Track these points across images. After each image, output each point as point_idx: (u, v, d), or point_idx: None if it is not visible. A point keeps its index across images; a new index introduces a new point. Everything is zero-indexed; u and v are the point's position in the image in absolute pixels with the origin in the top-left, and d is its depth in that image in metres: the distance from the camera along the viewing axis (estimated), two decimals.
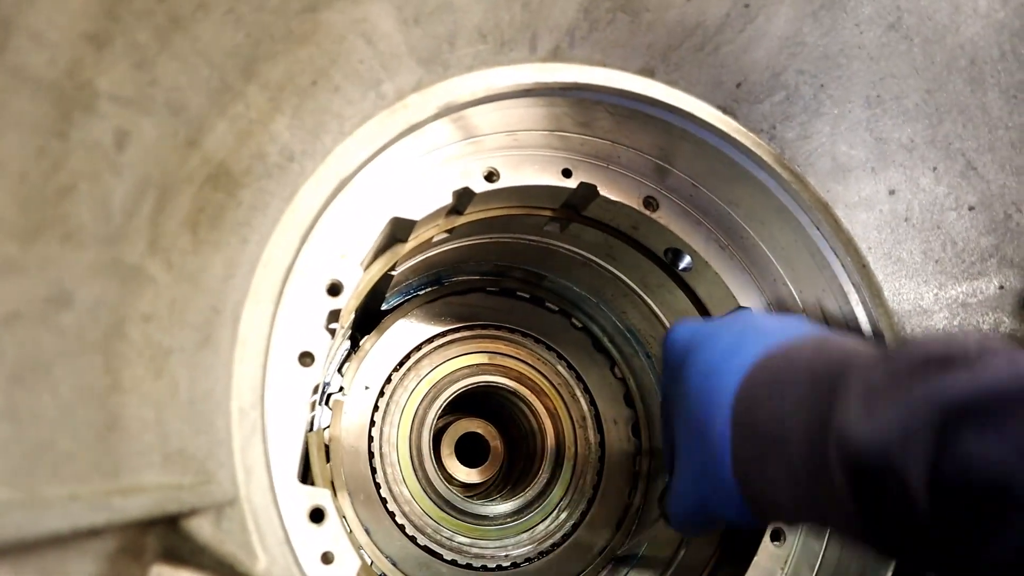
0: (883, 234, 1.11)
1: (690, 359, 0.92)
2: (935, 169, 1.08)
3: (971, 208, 1.08)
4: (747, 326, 0.93)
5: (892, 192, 1.10)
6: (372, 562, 1.35)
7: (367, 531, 1.36)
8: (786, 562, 1.15)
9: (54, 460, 0.59)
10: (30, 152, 0.59)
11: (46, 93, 0.60)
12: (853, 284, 1.13)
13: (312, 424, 1.25)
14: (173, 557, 0.73)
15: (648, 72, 1.09)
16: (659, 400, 1.26)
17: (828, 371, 0.75)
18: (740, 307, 1.24)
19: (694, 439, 0.87)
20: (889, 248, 1.11)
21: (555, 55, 1.06)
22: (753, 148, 1.11)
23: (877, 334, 1.12)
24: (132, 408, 0.68)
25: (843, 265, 1.13)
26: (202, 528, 0.73)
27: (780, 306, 1.24)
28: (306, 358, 0.95)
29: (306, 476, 1.10)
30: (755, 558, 1.13)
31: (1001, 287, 1.09)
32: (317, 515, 0.91)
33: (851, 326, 1.15)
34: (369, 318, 1.48)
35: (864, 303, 1.13)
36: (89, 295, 0.66)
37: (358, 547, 1.34)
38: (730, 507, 0.84)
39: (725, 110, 1.11)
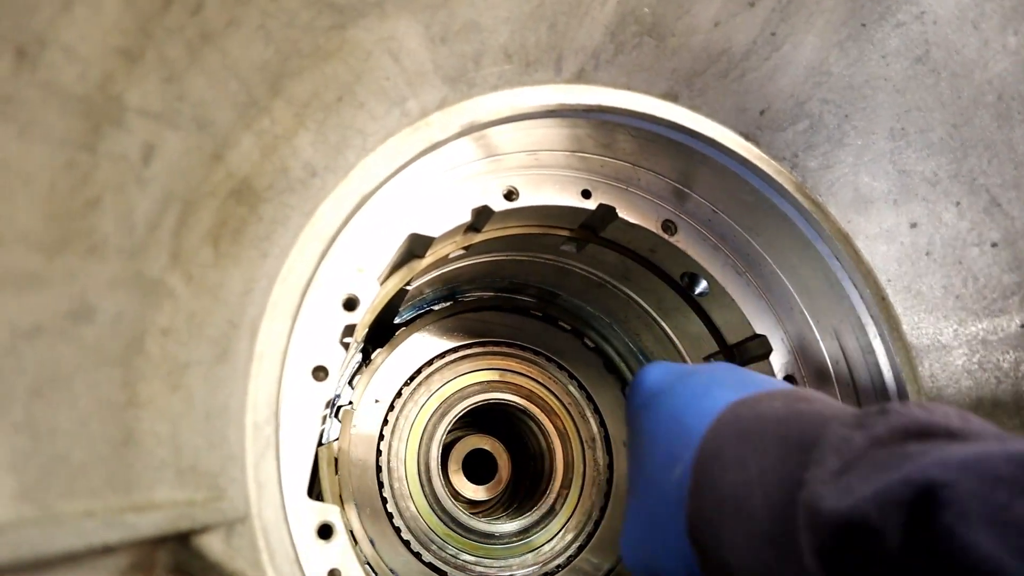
0: (903, 267, 1.10)
1: (657, 401, 0.88)
2: (958, 204, 1.07)
3: (994, 244, 1.07)
4: (720, 373, 0.90)
5: (914, 225, 1.09)
6: None
7: (373, 544, 1.35)
8: None
9: (69, 475, 0.59)
10: (59, 165, 0.59)
11: (76, 107, 0.60)
12: (872, 316, 1.12)
13: (322, 438, 1.25)
14: (183, 573, 0.73)
15: (672, 97, 1.09)
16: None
17: (800, 432, 0.71)
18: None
19: (650, 486, 0.83)
20: (909, 281, 1.10)
21: (580, 77, 1.06)
22: (775, 176, 1.11)
23: (894, 369, 1.11)
24: (147, 423, 0.68)
25: (862, 297, 1.12)
26: (213, 545, 0.73)
27: (799, 338, 1.23)
28: (320, 372, 0.95)
29: (312, 489, 1.09)
30: None
31: (1023, 325, 1.08)
32: (325, 531, 0.90)
33: (868, 360, 1.14)
34: (382, 331, 1.48)
35: (882, 336, 1.12)
36: (111, 308, 0.65)
37: (363, 561, 1.33)
38: (678, 562, 0.79)
39: (748, 137, 1.11)
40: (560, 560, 1.47)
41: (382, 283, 1.14)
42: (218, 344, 0.79)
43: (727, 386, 0.85)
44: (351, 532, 1.32)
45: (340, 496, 1.32)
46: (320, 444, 1.12)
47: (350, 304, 1.00)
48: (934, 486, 0.55)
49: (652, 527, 0.82)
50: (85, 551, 0.55)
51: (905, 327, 1.10)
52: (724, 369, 0.93)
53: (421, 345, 1.49)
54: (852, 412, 0.70)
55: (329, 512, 0.91)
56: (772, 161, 1.11)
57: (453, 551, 1.41)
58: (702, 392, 0.85)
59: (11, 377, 0.56)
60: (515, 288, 1.55)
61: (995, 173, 1.05)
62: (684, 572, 0.79)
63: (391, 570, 1.36)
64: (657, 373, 0.94)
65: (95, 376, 0.63)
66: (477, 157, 1.11)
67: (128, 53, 0.64)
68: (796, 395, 0.81)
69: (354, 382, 1.44)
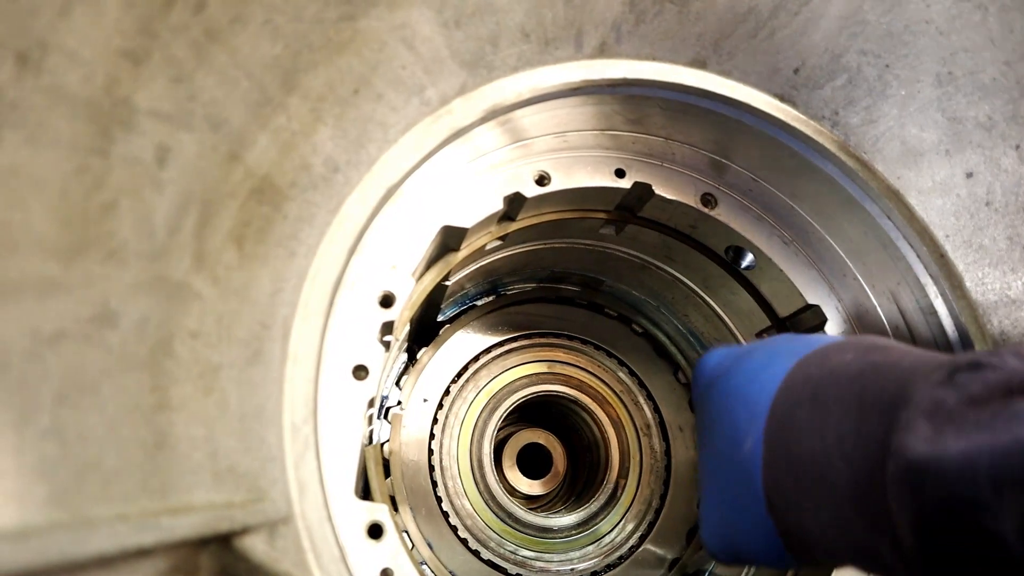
0: (962, 220, 1.04)
1: (719, 382, 0.85)
2: (1018, 147, 1.01)
3: None
4: (780, 342, 0.85)
5: (970, 175, 1.03)
6: None
7: (430, 546, 1.34)
8: None
9: (102, 480, 0.58)
10: (70, 170, 0.59)
11: (84, 111, 0.60)
12: (931, 276, 1.06)
13: (371, 438, 1.24)
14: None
15: (700, 63, 1.05)
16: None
17: (880, 389, 0.65)
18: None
19: (722, 466, 0.78)
20: (969, 235, 1.04)
21: (602, 51, 1.03)
22: (815, 136, 1.06)
23: (960, 329, 1.04)
24: (180, 426, 0.68)
25: (919, 256, 1.06)
26: (256, 547, 0.72)
27: (854, 305, 1.18)
28: (360, 371, 0.94)
29: (367, 491, 1.08)
30: None
31: None
32: (375, 531, 0.89)
33: (930, 321, 1.08)
34: (426, 330, 1.47)
35: (944, 295, 1.05)
36: (135, 312, 0.65)
37: (420, 562, 1.32)
38: (762, 543, 0.75)
39: (783, 98, 1.06)
40: (622, 551, 1.44)
41: (418, 279, 1.12)
42: (249, 346, 0.78)
43: (789, 352, 0.79)
44: (406, 533, 1.31)
45: (393, 498, 1.32)
46: (370, 445, 1.11)
47: (386, 301, 0.99)
48: None
49: (731, 509, 0.77)
50: (119, 554, 0.55)
51: (968, 284, 1.03)
52: (784, 339, 0.88)
53: (466, 342, 1.48)
54: (936, 364, 0.64)
55: (378, 511, 0.90)
56: (811, 121, 1.06)
57: (512, 547, 1.39)
58: (765, 363, 0.80)
59: (36, 383, 0.56)
60: (557, 278, 1.53)
61: None
62: (772, 552, 0.75)
63: (450, 571, 1.35)
64: (717, 357, 0.91)
65: (122, 381, 0.63)
66: (504, 143, 1.09)
67: (132, 55, 0.64)
68: (868, 345, 0.74)
69: (401, 382, 1.43)
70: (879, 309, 1.15)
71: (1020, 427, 0.52)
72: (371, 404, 0.98)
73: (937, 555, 0.57)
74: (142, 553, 0.57)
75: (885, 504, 0.60)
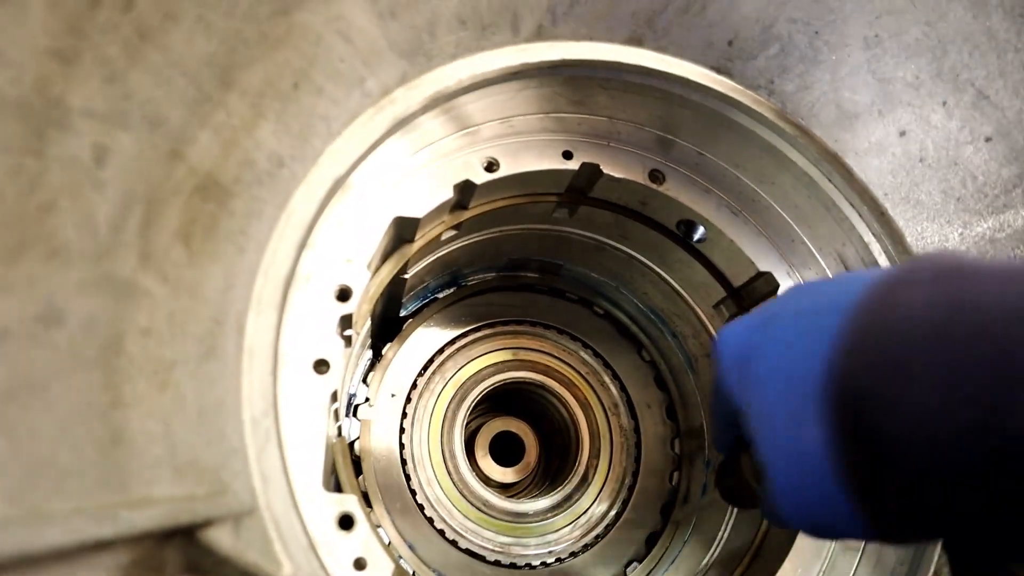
0: (899, 178, 1.07)
1: (752, 367, 0.74)
2: (945, 104, 1.04)
3: (988, 139, 1.03)
4: (804, 297, 0.73)
5: (903, 133, 1.06)
6: (414, 572, 1.33)
7: (406, 541, 1.34)
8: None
9: (56, 476, 0.59)
10: (5, 171, 0.59)
11: (14, 111, 0.60)
12: (873, 234, 1.09)
13: (339, 433, 1.24)
14: (196, 570, 0.72)
15: (636, 41, 1.07)
16: (710, 404, 1.15)
17: (976, 348, 0.53)
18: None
19: (782, 456, 0.68)
20: (907, 192, 1.07)
21: (539, 34, 1.05)
22: (753, 106, 1.08)
23: None
24: (136, 422, 0.68)
25: (860, 215, 1.09)
26: (221, 539, 0.73)
27: (804, 268, 1.20)
28: (321, 366, 0.94)
29: (339, 487, 1.09)
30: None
31: None
32: (346, 522, 0.89)
33: None
34: (389, 326, 1.48)
35: (887, 252, 1.08)
36: (81, 311, 0.65)
37: (397, 558, 1.33)
38: (844, 521, 0.65)
39: (720, 70, 1.08)
40: (598, 530, 1.45)
41: (374, 271, 1.13)
42: (203, 342, 0.79)
43: (828, 308, 0.65)
44: (379, 528, 1.31)
45: (366, 495, 1.32)
46: (338, 439, 1.11)
47: (343, 295, 0.99)
48: None
49: (811, 501, 0.67)
50: (76, 547, 0.55)
51: (909, 239, 1.07)
52: (800, 289, 0.77)
53: (430, 335, 1.48)
54: None
55: (348, 502, 0.90)
56: (748, 91, 1.09)
57: (489, 535, 1.40)
58: (802, 328, 0.67)
59: None
60: (516, 265, 1.54)
61: (978, 66, 1.02)
62: (852, 528, 0.66)
63: (429, 564, 1.35)
64: (735, 335, 0.80)
65: (73, 379, 0.63)
66: (451, 132, 1.10)
67: (62, 55, 0.64)
68: (941, 269, 0.59)
69: (368, 379, 1.43)
70: (828, 271, 1.17)
71: None
72: (335, 398, 0.99)
73: None
74: (101, 546, 0.58)
75: (1005, 496, 0.52)
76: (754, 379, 0.73)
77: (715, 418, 0.90)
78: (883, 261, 1.09)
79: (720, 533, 1.28)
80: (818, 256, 1.18)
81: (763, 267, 1.20)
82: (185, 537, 0.70)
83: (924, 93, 1.04)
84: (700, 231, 1.26)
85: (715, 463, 1.35)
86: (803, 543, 1.07)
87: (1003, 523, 0.55)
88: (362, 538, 0.90)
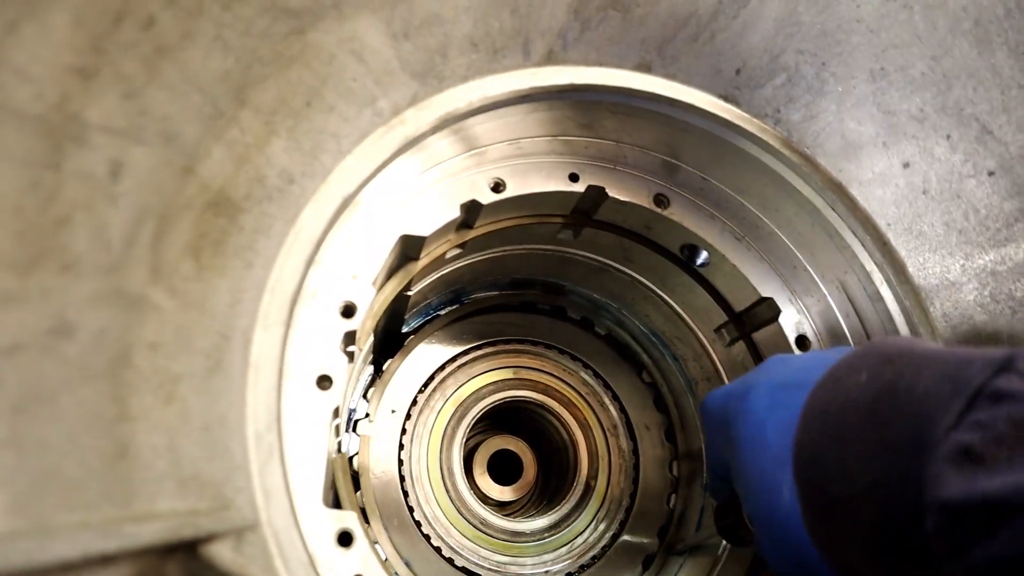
0: (901, 209, 1.08)
1: (733, 429, 0.86)
2: (949, 137, 1.05)
3: (991, 173, 1.05)
4: (775, 372, 0.85)
5: (907, 165, 1.07)
6: None
7: (403, 557, 1.34)
8: None
9: (62, 488, 0.59)
10: (23, 185, 0.60)
11: (35, 127, 0.61)
12: (875, 263, 1.10)
13: (339, 449, 1.24)
14: None
15: (645, 67, 1.08)
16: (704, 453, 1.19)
17: (899, 420, 0.64)
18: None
19: (768, 515, 0.79)
20: (909, 223, 1.08)
21: (549, 59, 1.06)
22: (759, 134, 1.10)
23: (905, 313, 1.08)
24: (142, 435, 0.68)
25: (863, 244, 1.10)
26: (223, 554, 0.73)
27: (806, 295, 1.21)
28: (324, 381, 0.95)
29: (338, 503, 1.09)
30: None
31: None
32: (345, 539, 0.90)
33: (878, 308, 1.12)
34: (391, 341, 1.48)
35: (888, 281, 1.09)
36: (92, 324, 0.66)
37: (394, 574, 1.32)
38: (817, 569, 0.76)
39: (727, 98, 1.10)
40: (595, 551, 1.45)
41: (379, 288, 1.14)
42: (210, 356, 0.79)
43: (795, 384, 0.80)
44: (377, 544, 1.31)
45: (364, 511, 1.32)
46: (338, 455, 1.11)
47: (348, 311, 1.00)
48: None
49: (783, 551, 0.79)
50: (81, 561, 0.55)
51: (911, 269, 1.08)
52: (775, 364, 0.89)
53: (432, 351, 1.49)
54: (952, 387, 0.61)
55: (347, 519, 0.91)
56: (754, 120, 1.10)
57: (486, 553, 1.40)
58: (772, 402, 0.81)
59: None
60: (519, 284, 1.55)
61: (982, 100, 1.03)
62: (825, 570, 0.76)
63: None
64: (717, 400, 0.94)
65: (81, 391, 0.63)
66: (459, 152, 1.11)
67: (83, 71, 0.65)
68: (877, 358, 0.72)
69: (369, 395, 1.44)
70: (829, 298, 1.18)
71: None
72: (336, 414, 0.99)
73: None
74: (105, 560, 0.58)
75: (929, 551, 0.60)
76: (736, 442, 0.85)
77: (709, 472, 1.00)
78: (885, 290, 1.10)
79: (717, 555, 1.28)
80: (820, 283, 1.19)
81: (765, 293, 1.21)
82: (187, 551, 0.70)
83: (928, 126, 1.05)
84: (703, 256, 1.27)
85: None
86: None
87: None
88: (361, 555, 0.90)
